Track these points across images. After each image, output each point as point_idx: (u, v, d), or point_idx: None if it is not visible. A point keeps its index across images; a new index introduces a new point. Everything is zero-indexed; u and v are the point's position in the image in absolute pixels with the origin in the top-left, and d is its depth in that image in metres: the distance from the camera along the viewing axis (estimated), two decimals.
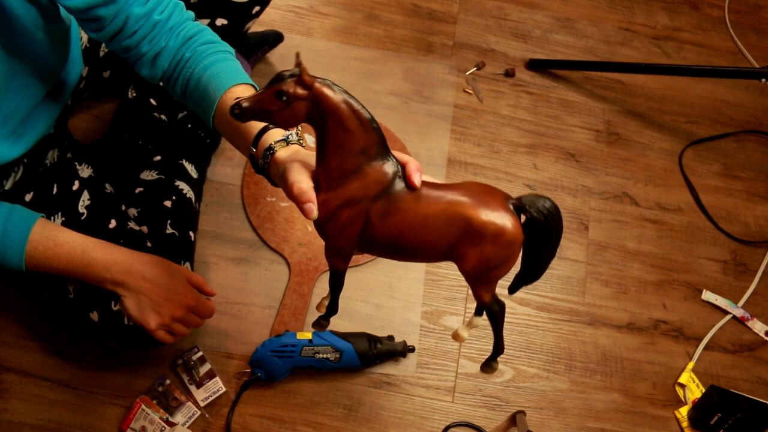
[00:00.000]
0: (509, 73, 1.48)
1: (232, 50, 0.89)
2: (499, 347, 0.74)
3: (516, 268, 0.69)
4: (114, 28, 0.81)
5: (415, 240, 0.65)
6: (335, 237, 0.66)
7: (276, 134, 0.77)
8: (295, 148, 0.75)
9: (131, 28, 0.81)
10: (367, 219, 0.64)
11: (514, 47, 1.52)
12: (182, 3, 0.88)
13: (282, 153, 0.74)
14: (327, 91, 0.61)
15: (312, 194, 0.65)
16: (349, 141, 0.62)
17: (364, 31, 1.48)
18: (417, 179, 0.65)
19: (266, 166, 0.76)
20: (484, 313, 0.71)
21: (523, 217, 0.65)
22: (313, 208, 0.64)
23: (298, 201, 0.65)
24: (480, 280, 0.66)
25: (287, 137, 0.76)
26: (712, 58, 1.59)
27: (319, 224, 0.67)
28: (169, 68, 0.86)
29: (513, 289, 0.72)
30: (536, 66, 1.50)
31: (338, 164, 0.63)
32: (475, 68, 1.48)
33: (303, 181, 0.65)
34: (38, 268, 0.90)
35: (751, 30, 1.64)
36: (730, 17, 1.65)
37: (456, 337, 0.73)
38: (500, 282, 0.68)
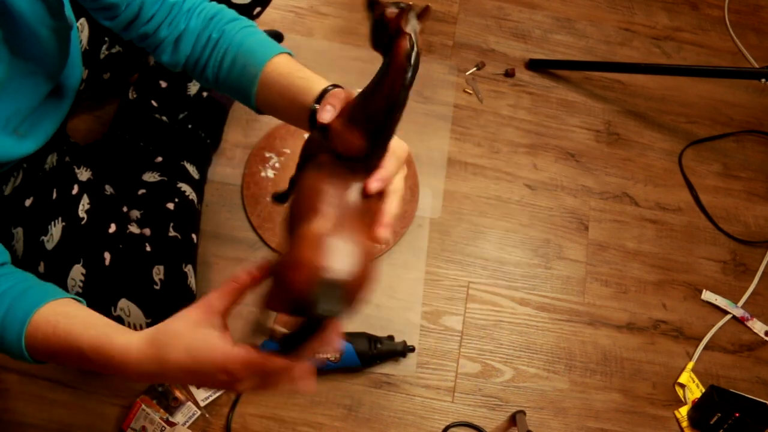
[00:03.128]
0: (509, 73, 1.48)
1: (255, 23, 0.85)
2: None
3: None
4: (129, 14, 0.79)
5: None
6: None
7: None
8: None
9: (147, 13, 0.79)
10: None
11: (514, 47, 1.52)
12: None
13: None
14: None
15: None
16: None
17: (364, 31, 1.47)
18: None
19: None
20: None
21: None
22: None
23: None
24: None
25: None
26: (711, 58, 1.59)
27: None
28: (194, 52, 0.82)
29: None
30: (536, 66, 1.50)
31: None
32: (475, 68, 1.48)
33: None
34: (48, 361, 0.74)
35: (751, 30, 1.65)
36: (729, 17, 1.65)
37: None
38: None
